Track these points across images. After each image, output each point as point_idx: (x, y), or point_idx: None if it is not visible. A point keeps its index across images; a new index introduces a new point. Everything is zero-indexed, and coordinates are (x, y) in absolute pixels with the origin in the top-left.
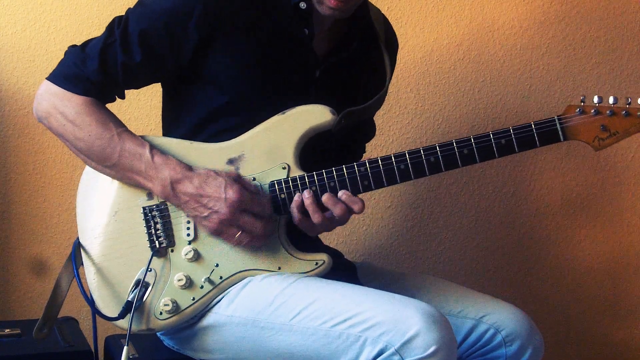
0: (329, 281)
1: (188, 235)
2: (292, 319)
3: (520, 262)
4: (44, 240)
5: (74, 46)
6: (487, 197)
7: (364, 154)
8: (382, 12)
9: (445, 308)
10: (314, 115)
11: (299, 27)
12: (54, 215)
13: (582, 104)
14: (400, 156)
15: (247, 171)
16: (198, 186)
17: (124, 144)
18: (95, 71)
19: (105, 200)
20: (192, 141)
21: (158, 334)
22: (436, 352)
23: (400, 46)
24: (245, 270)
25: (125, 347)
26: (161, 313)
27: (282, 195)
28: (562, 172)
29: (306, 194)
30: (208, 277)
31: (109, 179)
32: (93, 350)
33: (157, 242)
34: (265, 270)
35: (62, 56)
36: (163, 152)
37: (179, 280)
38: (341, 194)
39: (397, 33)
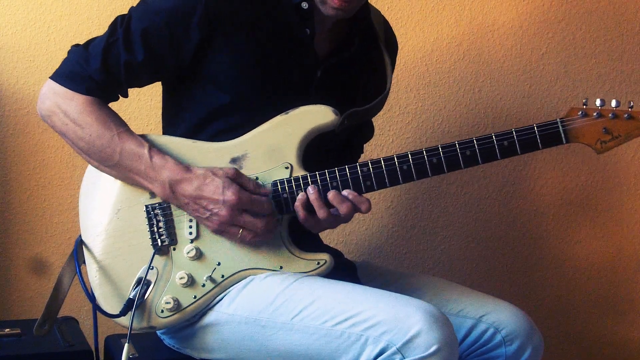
0: (330, 281)
1: (190, 233)
2: (293, 318)
3: (520, 262)
4: (44, 240)
5: (77, 45)
6: (487, 197)
7: (361, 155)
8: (382, 12)
9: (445, 307)
10: (317, 116)
11: (300, 27)
12: (54, 215)
13: (585, 106)
14: (402, 157)
15: (249, 170)
16: (197, 188)
17: (124, 144)
18: (98, 70)
19: (108, 198)
20: (195, 140)
21: (158, 333)
22: (437, 351)
23: (400, 46)
24: (247, 269)
25: (126, 345)
26: (162, 311)
27: (285, 195)
28: (562, 172)
29: (311, 190)
30: (210, 276)
31: (111, 177)
32: (93, 348)
33: (159, 240)
34: (267, 269)
35: (62, 56)
36: (162, 153)
37: (181, 278)
38: (347, 193)
39: (397, 33)
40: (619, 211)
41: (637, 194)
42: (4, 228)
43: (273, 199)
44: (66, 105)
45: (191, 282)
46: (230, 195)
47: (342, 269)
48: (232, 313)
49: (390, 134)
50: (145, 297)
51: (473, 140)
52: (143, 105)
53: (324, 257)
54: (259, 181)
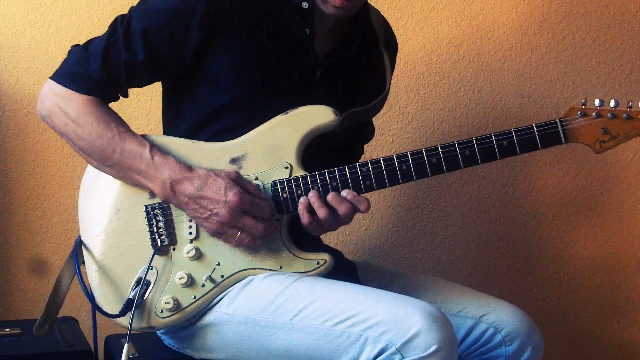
0: (330, 280)
1: (190, 233)
2: (293, 317)
3: (520, 262)
4: (44, 240)
5: (77, 45)
6: (487, 197)
7: (362, 155)
8: (382, 12)
9: (445, 307)
10: (317, 116)
11: (300, 26)
12: (54, 215)
13: (584, 106)
14: (402, 157)
15: (249, 170)
16: (198, 188)
17: (125, 144)
18: (98, 70)
19: (108, 199)
20: (194, 140)
21: (158, 333)
22: (437, 351)
23: (400, 46)
24: (247, 269)
25: (125, 345)
26: (162, 311)
27: (285, 195)
28: (562, 172)
29: (311, 194)
30: (209, 276)
31: (111, 177)
32: (93, 347)
33: (159, 240)
34: (267, 270)
35: (62, 56)
36: (163, 152)
37: (181, 278)
38: (346, 193)
39: (397, 33)
40: (619, 211)
41: (637, 194)
42: (4, 228)
43: (273, 199)
44: (66, 105)
45: (191, 282)
46: (232, 196)
47: (342, 269)
48: (232, 313)
49: (390, 134)
50: (145, 297)
51: (472, 140)
52: (143, 105)
53: (324, 257)
54: (259, 181)
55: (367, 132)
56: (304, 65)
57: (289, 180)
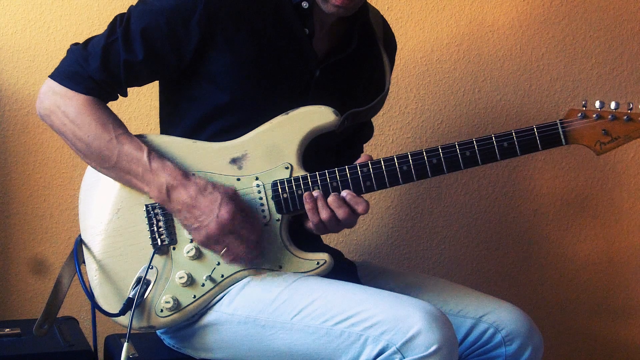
0: (330, 280)
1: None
2: (293, 317)
3: (520, 262)
4: (44, 240)
5: (76, 44)
6: (487, 197)
7: (361, 154)
8: (382, 12)
9: (445, 307)
10: (317, 116)
11: (299, 26)
12: (54, 215)
13: (584, 108)
14: (402, 157)
15: (249, 170)
16: (193, 196)
17: (123, 147)
18: (97, 69)
19: (108, 198)
20: (195, 140)
21: (158, 332)
22: (437, 351)
23: (400, 46)
24: (247, 269)
25: (125, 344)
26: (162, 310)
27: (285, 195)
28: (562, 172)
29: (315, 194)
30: (209, 275)
31: None
32: (92, 347)
33: (159, 239)
34: (267, 269)
35: (62, 56)
36: (161, 157)
37: (181, 277)
38: (345, 193)
39: (397, 33)
40: (619, 211)
41: (637, 194)
42: (4, 228)
43: (273, 199)
44: (65, 104)
45: (191, 281)
46: (224, 212)
47: (342, 269)
48: (232, 313)
49: (390, 134)
50: (145, 297)
51: (473, 141)
52: (143, 105)
53: (324, 257)
54: (259, 181)
55: (367, 132)
56: (303, 65)
57: (289, 181)
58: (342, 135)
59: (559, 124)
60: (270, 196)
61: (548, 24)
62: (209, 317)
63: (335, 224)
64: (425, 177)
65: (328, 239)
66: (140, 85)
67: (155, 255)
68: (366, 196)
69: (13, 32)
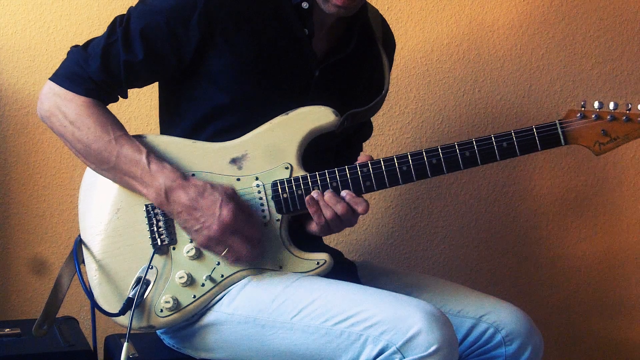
0: (330, 280)
1: None
2: (293, 317)
3: (520, 262)
4: (44, 240)
5: (76, 46)
6: (487, 197)
7: (361, 153)
8: (382, 12)
9: (445, 307)
10: (317, 117)
11: (299, 27)
12: (54, 215)
13: (583, 108)
14: (402, 158)
15: (249, 171)
16: (193, 198)
17: (122, 149)
18: (97, 70)
19: (108, 198)
20: (195, 140)
21: (158, 332)
22: (437, 351)
23: (400, 46)
24: (247, 268)
25: (125, 344)
26: (162, 310)
27: (285, 195)
28: (562, 172)
29: (315, 195)
30: (209, 275)
31: None
32: (92, 347)
33: (159, 239)
34: (267, 269)
35: (62, 56)
36: (160, 159)
37: (180, 277)
38: (344, 193)
39: (396, 33)
40: (619, 211)
41: (637, 194)
42: (4, 228)
43: (273, 199)
44: (65, 106)
45: (191, 281)
46: (226, 212)
47: (342, 269)
48: (232, 313)
49: (390, 134)
50: (145, 297)
51: (472, 141)
52: (143, 105)
53: (324, 257)
54: (259, 182)
55: (366, 131)
56: (302, 65)
57: (289, 181)
58: (341, 135)
59: (558, 124)
60: (270, 196)
61: (548, 24)
62: (209, 317)
63: (338, 223)
64: (425, 177)
65: (328, 239)
66: (140, 86)
67: (155, 255)
68: (366, 196)
69: (13, 32)
